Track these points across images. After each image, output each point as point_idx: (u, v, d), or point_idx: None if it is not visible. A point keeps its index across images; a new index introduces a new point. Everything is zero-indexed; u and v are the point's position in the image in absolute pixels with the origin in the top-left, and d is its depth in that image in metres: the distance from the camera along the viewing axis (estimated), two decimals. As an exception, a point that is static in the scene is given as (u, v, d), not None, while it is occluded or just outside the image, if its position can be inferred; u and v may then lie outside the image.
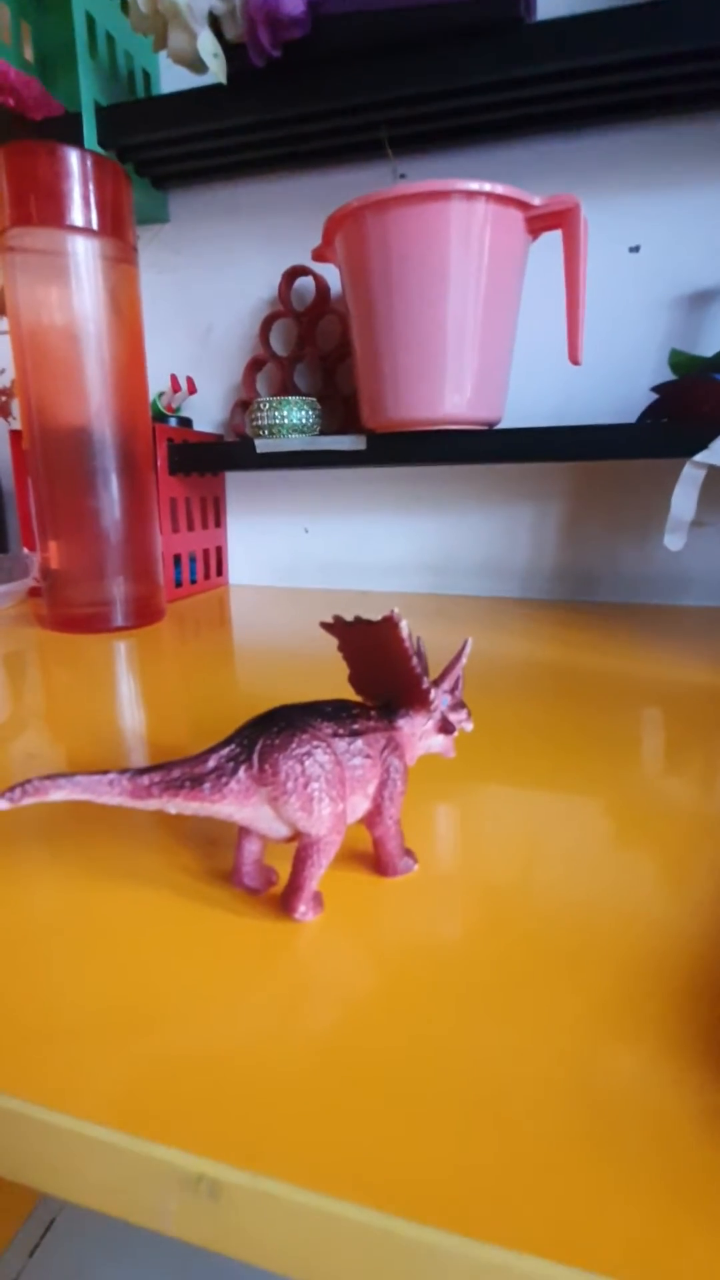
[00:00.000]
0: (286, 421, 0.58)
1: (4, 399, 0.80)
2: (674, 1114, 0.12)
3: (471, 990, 0.15)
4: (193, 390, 0.70)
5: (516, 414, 0.63)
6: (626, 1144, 0.12)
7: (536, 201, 0.47)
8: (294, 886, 0.17)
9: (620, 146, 0.56)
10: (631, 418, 0.60)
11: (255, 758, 0.17)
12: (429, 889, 0.19)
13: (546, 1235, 0.10)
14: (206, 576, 0.71)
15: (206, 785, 0.16)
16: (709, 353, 0.57)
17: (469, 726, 0.21)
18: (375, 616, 0.18)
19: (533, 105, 0.53)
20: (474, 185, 0.45)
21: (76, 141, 0.55)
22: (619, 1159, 0.12)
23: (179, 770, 0.16)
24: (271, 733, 0.17)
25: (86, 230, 0.45)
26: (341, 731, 0.18)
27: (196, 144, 0.59)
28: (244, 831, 0.19)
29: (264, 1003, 0.15)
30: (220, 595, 0.69)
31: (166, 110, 0.55)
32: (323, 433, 0.62)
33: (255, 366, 0.68)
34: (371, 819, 0.19)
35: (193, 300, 0.70)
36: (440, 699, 0.20)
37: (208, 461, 0.61)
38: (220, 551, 0.74)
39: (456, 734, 0.22)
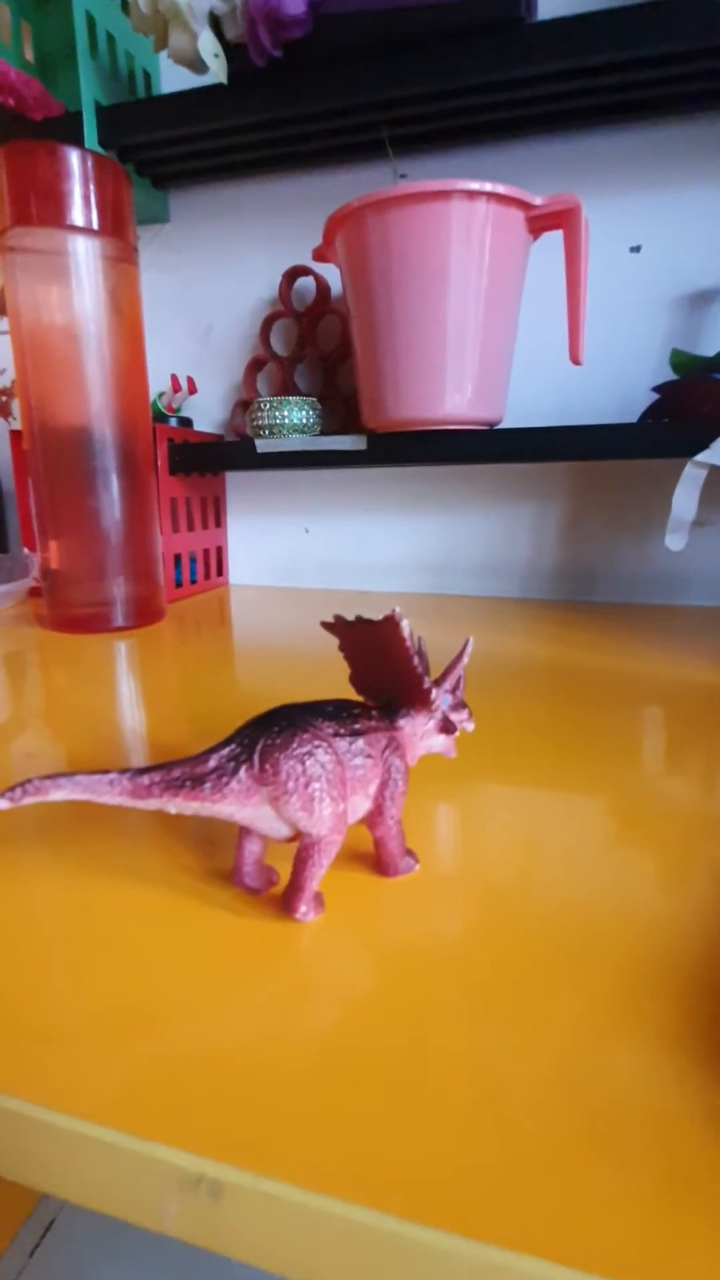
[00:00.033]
0: (287, 421, 0.58)
1: (4, 399, 0.80)
2: (675, 1114, 0.12)
3: (472, 990, 0.15)
4: (193, 390, 0.70)
5: (517, 414, 0.63)
6: (627, 1144, 0.12)
7: (537, 201, 0.47)
8: (295, 886, 0.17)
9: (620, 146, 0.56)
10: (632, 417, 0.60)
11: (256, 757, 0.17)
12: (430, 889, 0.19)
13: (547, 1236, 0.10)
14: (207, 576, 0.71)
15: (207, 785, 0.16)
16: (710, 353, 0.57)
17: (470, 726, 0.21)
18: (376, 616, 0.18)
19: (533, 105, 0.53)
20: (475, 185, 0.45)
21: (77, 141, 0.55)
22: (620, 1159, 0.12)
23: (180, 770, 0.16)
24: (272, 732, 0.17)
25: (87, 230, 0.45)
26: (343, 731, 0.18)
27: (197, 144, 0.59)
28: (244, 831, 0.19)
29: (264, 1003, 0.15)
30: (220, 595, 0.69)
31: (167, 110, 0.55)
32: (323, 433, 0.62)
33: (255, 366, 0.68)
34: (372, 819, 0.19)
35: (193, 300, 0.70)
36: (441, 699, 0.20)
37: (208, 461, 0.61)
38: (220, 551, 0.74)
39: (458, 734, 0.22)
